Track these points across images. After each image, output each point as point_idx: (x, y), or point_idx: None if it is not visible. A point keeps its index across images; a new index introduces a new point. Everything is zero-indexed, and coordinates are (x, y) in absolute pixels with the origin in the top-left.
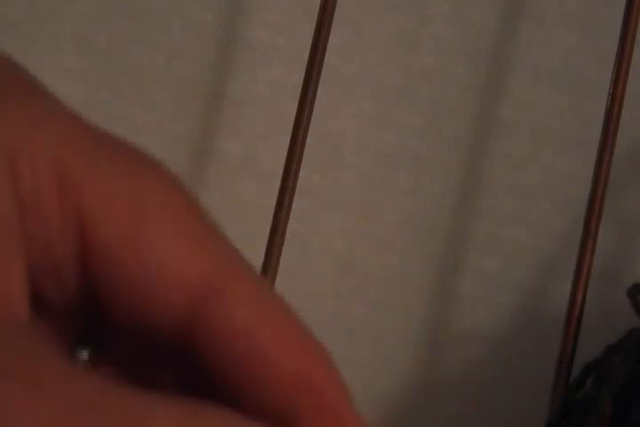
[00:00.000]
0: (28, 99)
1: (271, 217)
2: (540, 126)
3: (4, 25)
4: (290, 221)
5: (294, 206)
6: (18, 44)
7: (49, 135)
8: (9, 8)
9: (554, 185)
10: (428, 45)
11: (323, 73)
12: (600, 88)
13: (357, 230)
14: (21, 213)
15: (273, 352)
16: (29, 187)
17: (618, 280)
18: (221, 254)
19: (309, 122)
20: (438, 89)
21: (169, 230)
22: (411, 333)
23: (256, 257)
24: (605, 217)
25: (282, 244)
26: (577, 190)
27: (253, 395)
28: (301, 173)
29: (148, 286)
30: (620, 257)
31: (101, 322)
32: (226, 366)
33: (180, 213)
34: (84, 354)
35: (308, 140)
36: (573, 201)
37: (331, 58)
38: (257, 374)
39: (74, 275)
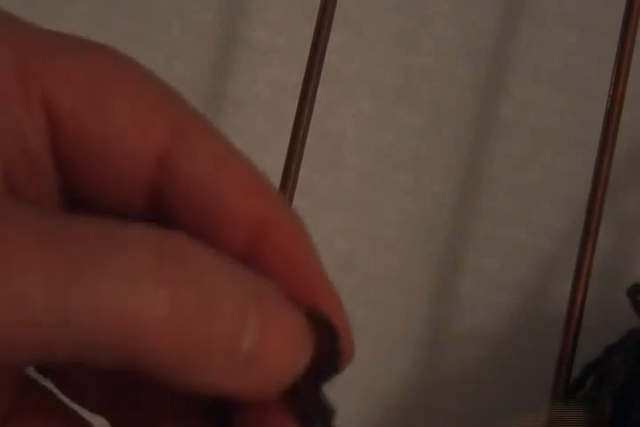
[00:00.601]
0: None
1: None
2: (540, 126)
3: None
4: None
5: (294, 206)
6: None
7: (9, 30)
8: (9, 8)
9: (554, 185)
10: (428, 45)
11: (323, 73)
12: (600, 88)
13: (357, 230)
14: None
15: (232, 196)
16: None
17: (618, 280)
18: (183, 114)
19: (309, 122)
20: (438, 89)
21: (128, 100)
22: (411, 333)
23: None
24: (605, 217)
25: None
26: (577, 190)
27: (215, 244)
28: (301, 173)
29: (116, 152)
30: (620, 257)
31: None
32: (190, 215)
33: (137, 84)
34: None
35: (308, 140)
36: (573, 201)
37: (331, 58)
38: (218, 219)
39: (48, 163)
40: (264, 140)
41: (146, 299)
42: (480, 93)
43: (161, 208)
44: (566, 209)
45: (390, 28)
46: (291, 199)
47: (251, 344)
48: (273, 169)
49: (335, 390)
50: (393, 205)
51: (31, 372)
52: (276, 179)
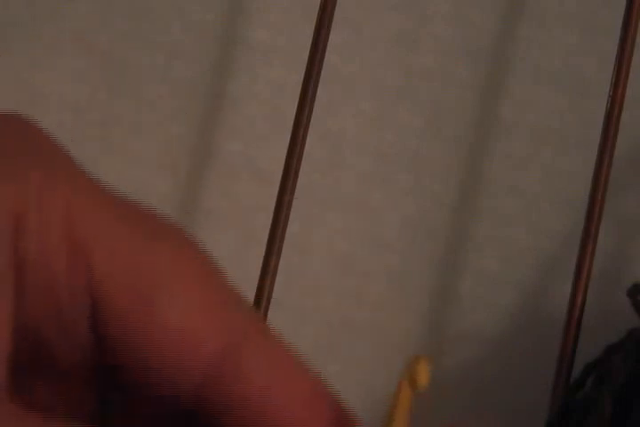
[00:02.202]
0: (40, 156)
1: (271, 217)
2: (540, 126)
3: (4, 25)
4: (290, 221)
5: (294, 206)
6: (18, 44)
7: (60, 194)
8: (9, 8)
9: (554, 185)
10: (428, 45)
11: (323, 73)
12: (600, 88)
13: (357, 230)
14: (21, 272)
15: (283, 421)
16: (36, 247)
17: (618, 280)
18: (236, 324)
19: (309, 122)
20: (438, 89)
21: (181, 299)
22: (411, 333)
23: (256, 257)
24: (605, 217)
25: (282, 244)
26: (577, 191)
27: None
28: (301, 173)
29: (162, 356)
30: (620, 257)
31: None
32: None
33: (193, 282)
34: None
35: (308, 140)
36: (573, 201)
37: (331, 57)
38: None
39: (85, 336)
40: (264, 140)
41: None
42: (480, 93)
43: (203, 404)
44: (566, 209)
45: (390, 28)
46: (290, 199)
47: None
48: (273, 169)
49: (336, 390)
50: (393, 205)
51: None
52: (276, 179)
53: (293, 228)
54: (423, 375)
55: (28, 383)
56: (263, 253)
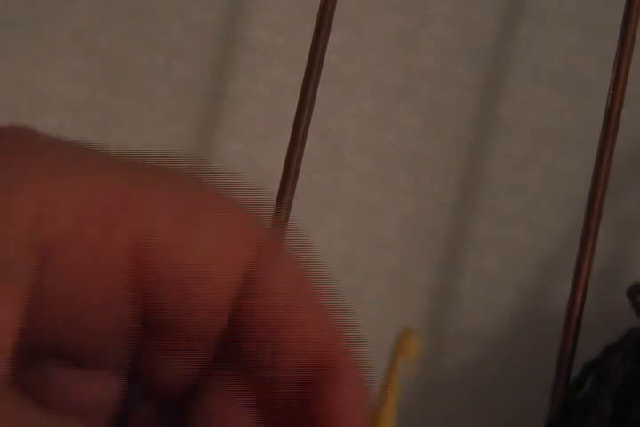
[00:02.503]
0: (41, 152)
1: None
2: (540, 126)
3: (4, 25)
4: (290, 221)
5: (294, 206)
6: (18, 44)
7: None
8: (9, 8)
9: (554, 185)
10: (428, 45)
11: (323, 73)
12: (600, 88)
13: (357, 230)
14: (48, 254)
15: (301, 331)
16: (68, 226)
17: (618, 280)
18: (265, 241)
19: (309, 122)
20: (438, 89)
21: (215, 227)
22: None
23: None
24: (605, 217)
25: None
26: (577, 190)
27: (272, 367)
28: (301, 173)
29: (200, 276)
30: (620, 257)
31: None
32: (260, 340)
33: (226, 212)
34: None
35: (308, 140)
36: (573, 201)
37: (331, 57)
38: (283, 347)
39: (124, 286)
40: (264, 140)
41: None
42: (480, 93)
43: (234, 325)
44: (566, 209)
45: (390, 28)
46: (291, 199)
47: None
48: (273, 169)
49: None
50: (393, 205)
51: None
52: (276, 179)
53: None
54: (414, 348)
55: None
56: None
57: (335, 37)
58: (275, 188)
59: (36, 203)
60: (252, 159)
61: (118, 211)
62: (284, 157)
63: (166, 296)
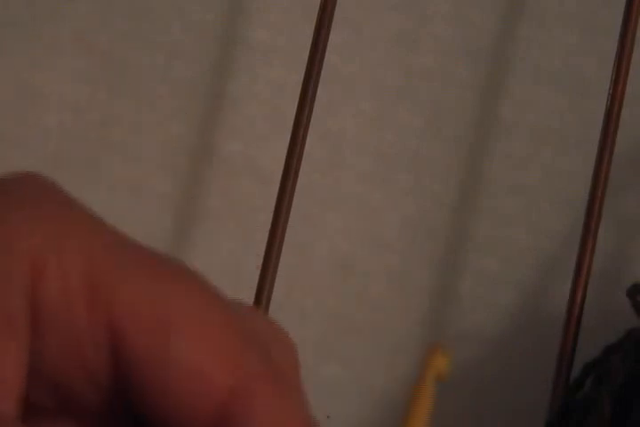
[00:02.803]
0: (58, 208)
1: (271, 217)
2: (540, 126)
3: (4, 25)
4: (290, 221)
5: (294, 206)
6: (18, 44)
7: (78, 246)
8: (9, 8)
9: (554, 185)
10: (428, 45)
11: (323, 72)
12: (600, 88)
13: (357, 230)
14: (39, 315)
15: None
16: (55, 291)
17: (618, 280)
18: (250, 364)
19: (309, 121)
20: (438, 89)
21: (196, 341)
22: (411, 333)
23: (256, 257)
24: (605, 217)
25: (282, 244)
26: (577, 190)
27: None
28: (301, 173)
29: (177, 395)
30: (620, 257)
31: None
32: None
33: (207, 321)
34: None
35: (308, 140)
36: (573, 201)
37: (331, 57)
38: None
39: (106, 376)
40: (264, 140)
41: None
42: (480, 93)
43: None
44: (566, 209)
45: (390, 28)
46: (291, 199)
47: None
48: (273, 169)
49: (335, 390)
50: (393, 205)
51: None
52: (276, 179)
53: (293, 228)
54: (444, 363)
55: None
56: (263, 253)
57: (335, 37)
58: (275, 188)
59: (31, 262)
60: (252, 159)
61: (101, 291)
62: (284, 157)
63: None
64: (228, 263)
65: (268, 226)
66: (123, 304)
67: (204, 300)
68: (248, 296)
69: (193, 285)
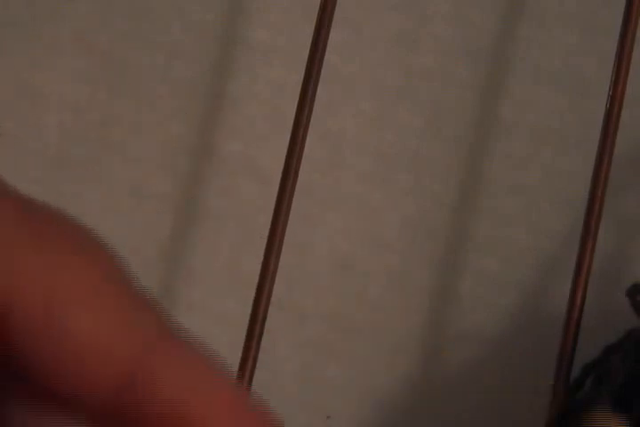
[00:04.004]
0: None
1: (271, 217)
2: (540, 126)
3: (4, 25)
4: (290, 221)
5: (294, 206)
6: (18, 44)
7: None
8: (9, 8)
9: (554, 185)
10: (428, 45)
11: (322, 72)
12: (600, 88)
13: (357, 230)
14: None
15: None
16: None
17: (618, 280)
18: (148, 327)
19: (309, 121)
20: (438, 89)
21: (91, 312)
22: (411, 333)
23: (256, 257)
24: (605, 217)
25: (282, 244)
26: (577, 190)
27: None
28: (301, 173)
29: (73, 367)
30: (620, 257)
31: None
32: None
33: (106, 295)
34: None
35: (308, 140)
36: (573, 201)
37: (331, 57)
38: None
39: None
40: (264, 140)
41: None
42: (480, 93)
43: (120, 413)
44: (566, 209)
45: (390, 28)
46: (290, 199)
47: None
48: (273, 169)
49: (335, 390)
50: (393, 205)
51: None
52: (276, 179)
53: (293, 228)
54: None
55: None
56: (263, 253)
57: (335, 37)
58: (275, 188)
59: None
60: (252, 159)
61: None
62: (284, 157)
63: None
64: (228, 263)
65: (268, 226)
66: (13, 274)
67: (102, 272)
68: (248, 296)
69: (93, 256)
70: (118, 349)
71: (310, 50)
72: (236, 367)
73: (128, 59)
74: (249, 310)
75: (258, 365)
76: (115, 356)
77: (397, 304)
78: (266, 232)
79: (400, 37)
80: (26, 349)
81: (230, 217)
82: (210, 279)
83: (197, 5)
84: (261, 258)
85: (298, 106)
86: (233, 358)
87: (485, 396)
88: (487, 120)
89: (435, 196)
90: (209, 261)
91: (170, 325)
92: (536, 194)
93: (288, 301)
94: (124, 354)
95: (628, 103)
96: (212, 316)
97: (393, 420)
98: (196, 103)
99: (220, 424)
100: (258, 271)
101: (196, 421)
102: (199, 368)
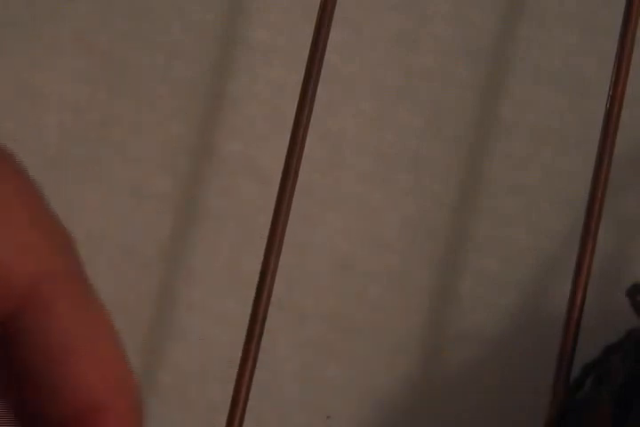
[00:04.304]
0: None
1: (271, 217)
2: (540, 126)
3: (4, 25)
4: (290, 221)
5: (294, 206)
6: (18, 44)
7: None
8: (9, 8)
9: (554, 185)
10: (428, 45)
11: (322, 72)
12: (600, 88)
13: (357, 230)
14: None
15: (75, 380)
16: None
17: (618, 280)
18: (52, 256)
19: (309, 121)
20: (438, 89)
21: None
22: (411, 333)
23: (256, 257)
24: (605, 217)
25: (282, 244)
26: (577, 190)
27: (43, 401)
28: (301, 173)
29: None
30: (620, 257)
31: None
32: (31, 370)
33: (6, 207)
34: None
35: (308, 140)
36: (573, 201)
37: (331, 57)
38: (54, 392)
39: None
40: (264, 141)
41: None
42: (480, 93)
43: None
44: (566, 209)
45: (390, 28)
46: (290, 199)
47: None
48: (273, 169)
49: (335, 390)
50: (393, 205)
51: None
52: (276, 179)
53: (293, 228)
54: None
55: None
56: (263, 253)
57: (335, 37)
58: (275, 188)
59: None
60: (252, 159)
61: None
62: (284, 157)
63: None
64: (228, 263)
65: (268, 226)
66: None
67: (13, 186)
68: (248, 296)
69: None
70: (20, 270)
71: (310, 50)
72: (236, 367)
73: (128, 59)
74: (249, 310)
75: (258, 365)
76: (15, 275)
77: (397, 304)
78: (266, 232)
79: (400, 37)
80: None
81: (230, 217)
82: (210, 279)
83: (197, 5)
84: (261, 258)
85: (298, 106)
86: (233, 358)
87: (485, 396)
88: (487, 120)
89: (435, 196)
90: (209, 261)
91: (78, 263)
92: (536, 194)
93: (288, 301)
94: (25, 276)
95: (628, 103)
96: (212, 316)
97: (393, 420)
98: (196, 103)
99: (88, 383)
100: (258, 271)
101: (67, 372)
102: (93, 315)
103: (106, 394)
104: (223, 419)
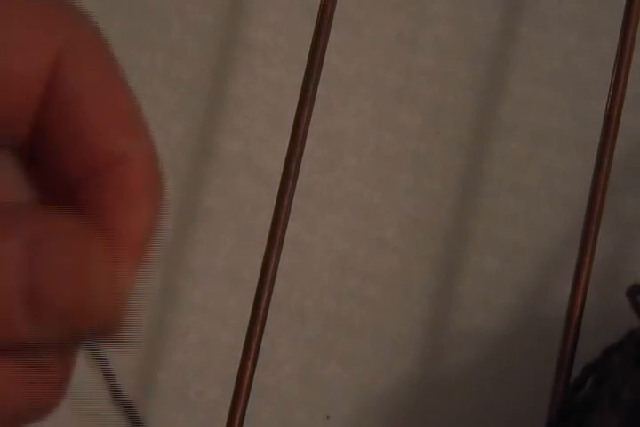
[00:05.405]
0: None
1: (271, 217)
2: (540, 126)
3: None
4: (290, 221)
5: (294, 206)
6: None
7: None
8: None
9: (554, 185)
10: (428, 45)
11: (323, 73)
12: (600, 88)
13: (357, 230)
14: None
15: (96, 123)
16: None
17: (618, 281)
18: (74, 31)
19: (309, 122)
20: (438, 89)
21: (19, 11)
22: (411, 333)
23: (256, 257)
24: (605, 218)
25: (282, 244)
26: (577, 191)
27: (64, 160)
28: (301, 173)
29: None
30: (620, 258)
31: None
32: (54, 131)
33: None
34: None
35: (308, 140)
36: (573, 201)
37: (331, 58)
38: (75, 142)
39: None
40: (264, 140)
41: None
42: (480, 93)
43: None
44: (566, 209)
45: (390, 28)
46: (290, 199)
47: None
48: (273, 169)
49: (335, 390)
50: (393, 205)
51: None
52: (276, 179)
53: (293, 228)
54: None
55: None
56: (263, 253)
57: (335, 37)
58: (275, 188)
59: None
60: (252, 159)
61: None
62: (284, 157)
63: None
64: (228, 263)
65: (268, 226)
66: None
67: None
68: (248, 296)
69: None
70: (43, 39)
71: (310, 50)
72: (236, 367)
73: (128, 59)
74: (249, 310)
75: (258, 365)
76: (41, 46)
77: (397, 304)
78: (266, 232)
79: (400, 37)
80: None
81: (230, 217)
82: (210, 279)
83: (197, 6)
84: (261, 258)
85: (298, 106)
86: (233, 358)
87: (485, 396)
88: (487, 120)
89: (435, 196)
90: (209, 261)
91: (88, 30)
92: (536, 194)
93: (288, 301)
94: (49, 44)
95: (628, 104)
96: (212, 316)
97: (393, 420)
98: (196, 103)
99: (107, 130)
100: (258, 271)
101: (89, 116)
102: (108, 76)
103: (122, 142)
104: (223, 419)
